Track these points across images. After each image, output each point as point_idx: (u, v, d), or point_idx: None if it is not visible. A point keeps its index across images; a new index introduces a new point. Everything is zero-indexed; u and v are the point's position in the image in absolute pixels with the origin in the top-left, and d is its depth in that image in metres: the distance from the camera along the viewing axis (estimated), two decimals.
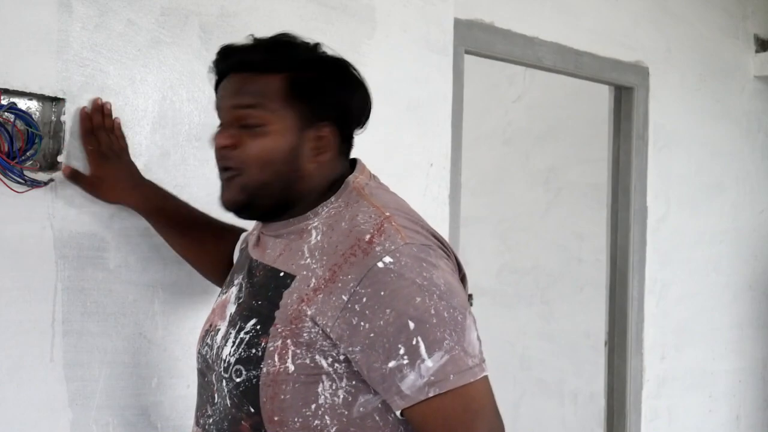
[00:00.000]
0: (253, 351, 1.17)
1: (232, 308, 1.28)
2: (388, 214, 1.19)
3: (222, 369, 1.21)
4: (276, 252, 1.26)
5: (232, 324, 1.24)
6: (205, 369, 1.29)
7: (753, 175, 3.55)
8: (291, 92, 1.22)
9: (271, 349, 1.15)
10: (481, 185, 4.04)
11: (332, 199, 1.24)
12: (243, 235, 1.55)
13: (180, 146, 1.77)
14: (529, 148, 4.02)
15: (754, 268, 3.55)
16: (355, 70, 1.29)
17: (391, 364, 1.10)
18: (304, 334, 1.14)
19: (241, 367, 1.17)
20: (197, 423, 1.29)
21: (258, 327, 1.18)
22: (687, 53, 3.22)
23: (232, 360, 1.19)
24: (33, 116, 1.56)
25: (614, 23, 2.92)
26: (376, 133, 2.25)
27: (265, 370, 1.15)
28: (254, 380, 1.16)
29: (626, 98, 3.04)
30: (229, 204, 1.27)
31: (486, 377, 1.13)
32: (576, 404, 3.74)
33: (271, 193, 1.23)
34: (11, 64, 1.54)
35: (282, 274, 1.21)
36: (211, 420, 1.24)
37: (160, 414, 1.74)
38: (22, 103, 1.55)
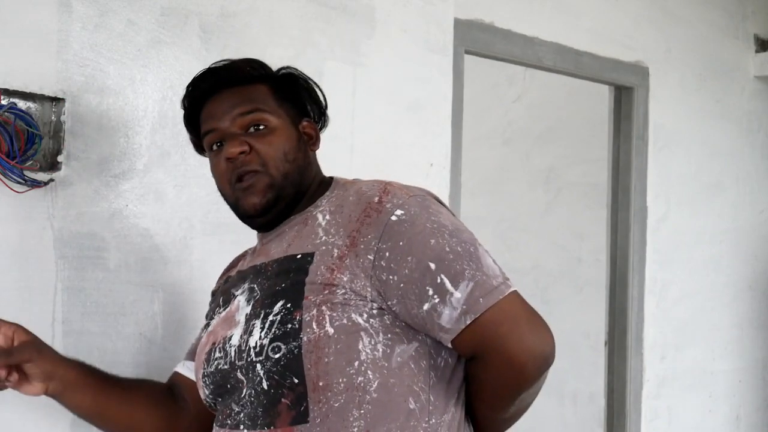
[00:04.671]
0: (289, 326, 1.20)
1: (245, 311, 1.29)
2: (387, 180, 1.32)
3: (253, 355, 1.22)
4: (284, 245, 1.31)
5: (252, 317, 1.26)
6: (221, 379, 1.28)
7: (753, 175, 3.55)
8: (277, 95, 1.36)
9: (308, 319, 1.19)
10: (481, 185, 4.03)
11: (327, 193, 1.36)
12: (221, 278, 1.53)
13: (180, 146, 1.77)
14: (529, 148, 4.01)
15: (754, 268, 3.55)
16: (306, 77, 1.43)
17: (426, 306, 1.19)
18: (338, 298, 1.20)
19: (279, 343, 1.20)
20: (223, 425, 1.28)
21: (288, 305, 1.22)
22: (687, 53, 3.22)
23: (266, 341, 1.21)
24: (33, 116, 1.56)
25: (614, 23, 2.92)
26: (376, 133, 2.26)
27: (305, 338, 1.18)
28: (296, 350, 1.18)
29: (626, 98, 3.04)
30: (257, 207, 1.32)
31: (515, 291, 1.22)
32: (576, 404, 3.74)
33: (292, 182, 1.33)
34: (11, 64, 1.55)
35: (299, 256, 1.26)
36: (241, 415, 1.24)
37: None
38: (22, 103, 1.55)
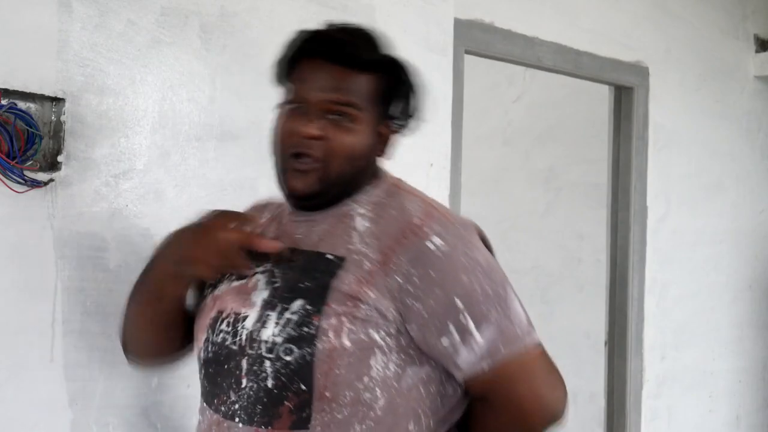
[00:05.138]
0: (305, 329, 1.18)
1: (262, 294, 1.25)
2: (432, 203, 1.29)
3: (264, 350, 1.20)
4: (314, 237, 1.27)
5: (268, 307, 1.23)
6: (224, 355, 1.25)
7: (753, 175, 3.55)
8: (377, 93, 1.28)
9: (325, 326, 1.17)
10: (481, 185, 4.03)
11: (368, 188, 1.31)
12: None
13: (180, 146, 1.77)
14: (529, 148, 4.01)
15: (754, 268, 3.55)
16: (419, 78, 1.34)
17: (444, 341, 1.18)
18: (360, 313, 1.18)
19: (293, 346, 1.18)
20: (216, 411, 1.25)
21: (308, 307, 1.19)
22: (687, 53, 3.22)
23: (279, 339, 1.19)
24: (33, 116, 1.56)
25: (614, 23, 2.92)
26: None
27: (320, 346, 1.17)
28: (308, 357, 1.17)
29: (626, 98, 3.04)
30: (302, 193, 1.27)
31: (538, 343, 1.22)
32: (576, 404, 3.72)
33: (343, 183, 1.28)
34: (11, 64, 1.54)
35: (329, 257, 1.23)
36: (237, 406, 1.22)
37: (160, 414, 1.74)
38: (22, 103, 1.55)
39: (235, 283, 1.31)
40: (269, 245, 1.26)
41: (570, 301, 3.77)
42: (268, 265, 1.29)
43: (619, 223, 3.05)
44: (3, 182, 1.52)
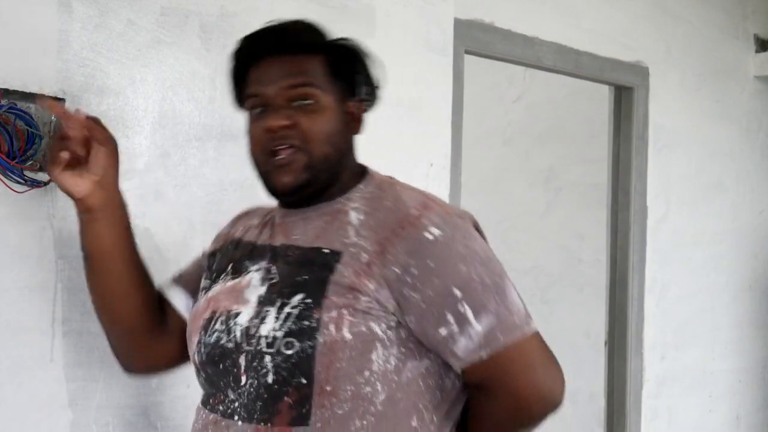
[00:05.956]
0: (306, 323, 1.18)
1: (259, 290, 1.25)
2: (428, 194, 1.30)
3: (264, 345, 1.19)
4: (311, 234, 1.27)
5: (266, 303, 1.23)
6: (218, 354, 1.25)
7: (753, 175, 3.55)
8: (331, 71, 1.28)
9: (326, 319, 1.17)
10: (481, 185, 4.03)
11: (361, 186, 1.32)
12: (218, 235, 1.50)
13: (180, 146, 1.77)
14: (529, 148, 4.01)
15: (754, 268, 3.55)
16: (368, 51, 1.35)
17: (442, 331, 1.19)
18: (361, 305, 1.18)
19: (293, 340, 1.18)
20: (213, 410, 1.25)
21: (308, 300, 1.19)
22: (687, 53, 3.22)
23: (280, 334, 1.18)
24: (33, 116, 1.56)
25: (614, 23, 2.92)
26: (376, 133, 2.25)
27: (321, 339, 1.17)
28: (309, 350, 1.17)
29: (626, 98, 3.04)
30: (288, 187, 1.26)
31: (536, 332, 1.23)
32: (576, 404, 3.73)
33: (330, 167, 1.27)
34: (11, 64, 1.54)
35: (327, 251, 1.23)
36: (236, 404, 1.22)
37: (160, 414, 1.74)
38: (22, 103, 1.55)
39: (229, 283, 1.32)
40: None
41: (570, 301, 3.77)
42: (264, 263, 1.29)
43: (619, 223, 3.05)
44: (3, 182, 1.52)
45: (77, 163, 1.33)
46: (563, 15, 2.74)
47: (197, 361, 1.31)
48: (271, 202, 1.38)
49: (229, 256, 1.39)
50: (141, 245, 1.70)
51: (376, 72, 1.35)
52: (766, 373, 3.63)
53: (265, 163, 1.28)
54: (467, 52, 2.44)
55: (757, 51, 3.52)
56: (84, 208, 1.36)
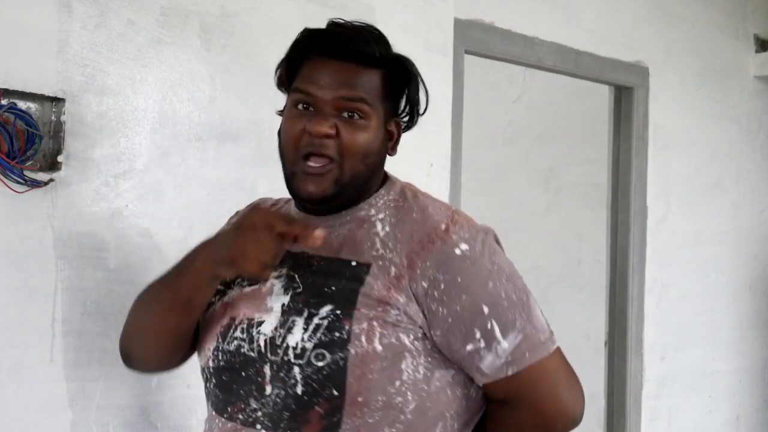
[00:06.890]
0: (336, 334, 1.17)
1: (281, 299, 1.23)
2: (452, 207, 1.30)
3: (292, 356, 1.18)
4: (334, 243, 1.24)
5: (292, 312, 1.20)
6: (240, 363, 1.23)
7: (753, 175, 3.55)
8: (385, 89, 1.27)
9: (357, 331, 1.16)
10: (481, 185, 4.03)
11: (382, 192, 1.30)
12: None
13: (180, 146, 1.77)
14: (529, 148, 4.01)
15: (754, 268, 3.55)
16: (418, 72, 1.33)
17: (469, 347, 1.19)
18: (391, 317, 1.18)
19: (324, 351, 1.16)
20: (231, 419, 1.23)
21: (338, 312, 1.18)
22: (687, 53, 3.22)
23: (309, 345, 1.17)
24: (33, 116, 1.56)
25: (614, 23, 2.92)
26: None
27: (353, 351, 1.16)
28: (341, 362, 1.16)
29: (626, 98, 3.04)
30: (317, 196, 1.23)
31: (558, 348, 1.24)
32: None
33: (358, 184, 1.25)
34: (11, 64, 1.54)
35: (354, 263, 1.21)
36: (259, 413, 1.20)
37: (160, 414, 1.74)
38: (22, 103, 1.55)
39: (247, 289, 1.28)
40: (317, 236, 1.17)
41: (570, 301, 3.76)
42: (284, 270, 1.26)
43: (619, 223, 3.05)
44: (3, 182, 1.52)
45: None
46: (563, 15, 2.74)
47: (212, 367, 1.28)
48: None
49: None
50: (141, 245, 1.71)
51: (421, 94, 1.32)
52: (766, 373, 3.63)
53: (295, 164, 1.24)
54: (467, 52, 2.44)
55: (757, 51, 3.52)
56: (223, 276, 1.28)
